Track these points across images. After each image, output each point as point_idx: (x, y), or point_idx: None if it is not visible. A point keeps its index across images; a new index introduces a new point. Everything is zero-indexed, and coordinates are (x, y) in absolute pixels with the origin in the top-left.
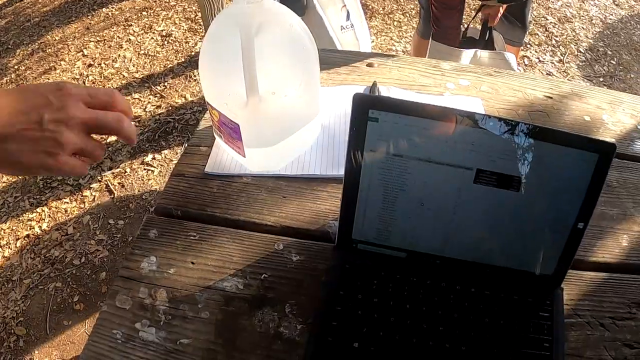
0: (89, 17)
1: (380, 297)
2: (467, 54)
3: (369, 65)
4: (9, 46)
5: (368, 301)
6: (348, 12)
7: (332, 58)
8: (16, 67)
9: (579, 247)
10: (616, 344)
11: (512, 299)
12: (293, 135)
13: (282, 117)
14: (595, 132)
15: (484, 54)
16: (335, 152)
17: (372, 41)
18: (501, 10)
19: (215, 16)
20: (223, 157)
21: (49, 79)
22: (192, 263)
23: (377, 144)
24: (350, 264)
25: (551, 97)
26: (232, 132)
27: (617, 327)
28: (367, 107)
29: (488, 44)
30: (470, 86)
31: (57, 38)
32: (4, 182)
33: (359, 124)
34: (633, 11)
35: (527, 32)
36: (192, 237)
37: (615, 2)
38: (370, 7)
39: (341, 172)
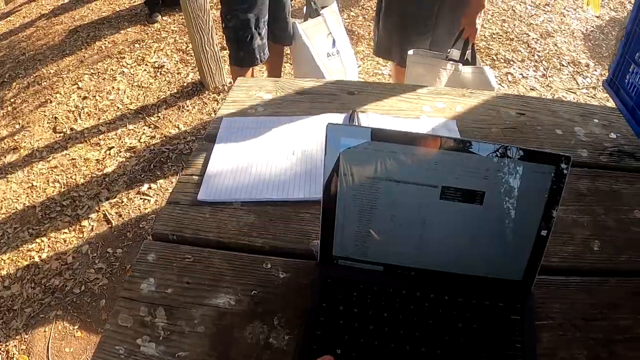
0: (83, 50)
1: (360, 307)
2: (450, 66)
3: (350, 93)
4: (5, 79)
5: (349, 311)
6: (334, 39)
7: (315, 88)
8: (12, 100)
9: (551, 253)
10: (589, 343)
11: (484, 304)
12: None
13: None
14: (567, 145)
15: (465, 70)
16: (317, 177)
17: (359, 66)
18: (478, 28)
19: (205, 47)
20: (214, 185)
21: (44, 112)
22: (188, 283)
23: (350, 169)
24: (332, 279)
25: (524, 114)
26: None
27: (589, 328)
28: (339, 135)
29: (470, 61)
30: (446, 108)
31: (52, 71)
32: (3, 214)
33: (333, 151)
34: (614, 22)
35: None
36: (187, 259)
37: (596, 14)
38: (356, 32)
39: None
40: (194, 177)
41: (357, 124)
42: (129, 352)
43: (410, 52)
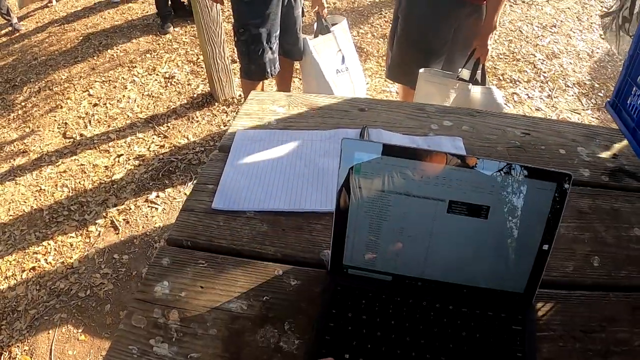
0: (95, 57)
1: (368, 315)
2: (460, 86)
3: (361, 109)
4: (16, 83)
5: (357, 318)
6: (343, 56)
7: (327, 103)
8: (23, 103)
9: (552, 268)
10: (587, 354)
11: (487, 315)
12: None
13: None
14: (570, 164)
15: (475, 89)
16: (329, 189)
17: (367, 83)
18: (489, 49)
19: (216, 60)
20: (228, 194)
21: (55, 117)
22: (201, 287)
23: (362, 182)
24: (341, 287)
25: (529, 134)
26: None
27: (589, 339)
28: (353, 150)
29: (479, 81)
30: (453, 126)
31: (63, 77)
32: (10, 216)
33: (346, 165)
34: None
35: None
36: (201, 265)
37: (602, 36)
38: (365, 50)
39: (333, 206)
40: (208, 185)
41: (367, 139)
42: (142, 352)
43: (422, 70)
